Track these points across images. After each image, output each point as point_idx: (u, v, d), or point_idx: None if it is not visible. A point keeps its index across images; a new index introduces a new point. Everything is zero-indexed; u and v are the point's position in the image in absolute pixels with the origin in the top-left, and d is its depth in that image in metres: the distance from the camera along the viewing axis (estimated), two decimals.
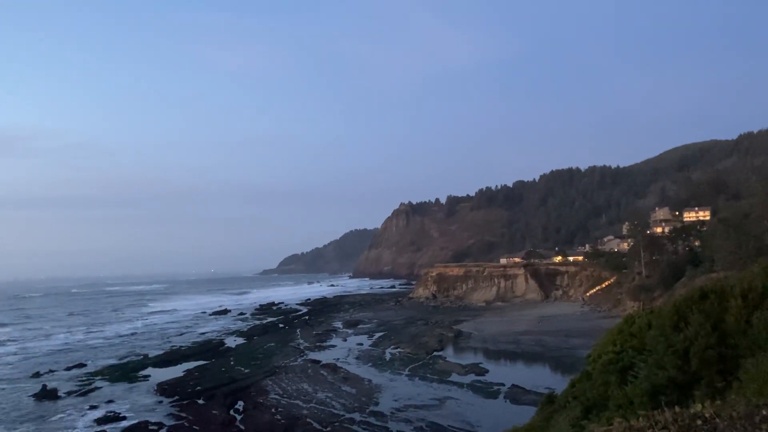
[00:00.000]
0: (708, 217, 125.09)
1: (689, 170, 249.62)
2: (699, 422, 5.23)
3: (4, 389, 64.90)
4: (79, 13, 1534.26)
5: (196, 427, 48.02)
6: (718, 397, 9.16)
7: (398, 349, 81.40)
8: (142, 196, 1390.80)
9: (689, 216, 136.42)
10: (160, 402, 56.71)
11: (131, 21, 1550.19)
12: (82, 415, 52.71)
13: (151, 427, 48.38)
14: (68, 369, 75.11)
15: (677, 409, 5.62)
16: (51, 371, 73.74)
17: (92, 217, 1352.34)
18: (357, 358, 76.71)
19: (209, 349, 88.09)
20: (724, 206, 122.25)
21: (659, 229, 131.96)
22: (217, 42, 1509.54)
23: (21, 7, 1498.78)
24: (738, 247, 72.88)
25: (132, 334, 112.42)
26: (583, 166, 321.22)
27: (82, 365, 77.23)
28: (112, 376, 69.61)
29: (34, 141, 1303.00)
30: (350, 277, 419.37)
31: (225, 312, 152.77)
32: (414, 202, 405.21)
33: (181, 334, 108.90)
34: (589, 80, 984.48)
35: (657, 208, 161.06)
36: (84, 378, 69.23)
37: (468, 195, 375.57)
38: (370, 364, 72.21)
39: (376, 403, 53.17)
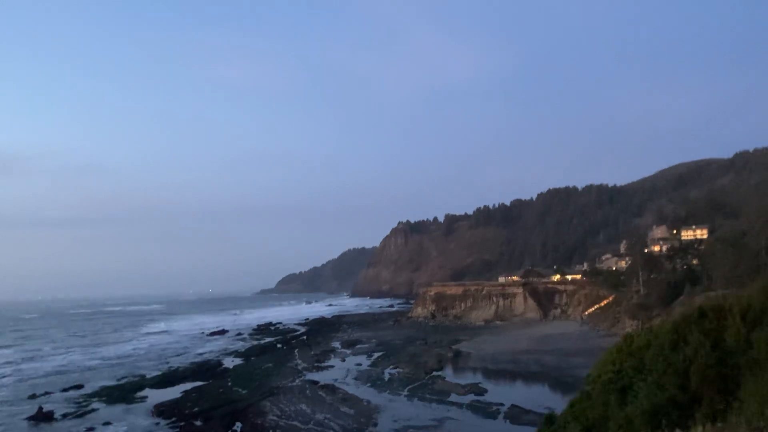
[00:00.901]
0: (706, 236, 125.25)
1: (686, 188, 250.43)
2: None
3: None
4: (81, 34, 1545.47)
5: None
6: (719, 418, 9.15)
7: (397, 369, 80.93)
8: (142, 215, 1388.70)
9: (687, 234, 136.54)
10: (157, 423, 56.23)
11: (132, 41, 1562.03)
12: None
13: None
14: (65, 390, 74.45)
15: (678, 431, 5.64)
16: (47, 393, 73.04)
17: (92, 237, 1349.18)
18: (355, 378, 76.23)
19: (207, 369, 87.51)
20: (721, 224, 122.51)
21: (657, 248, 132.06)
22: (216, 58, 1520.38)
23: (24, 29, 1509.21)
24: (736, 266, 72.96)
25: (129, 354, 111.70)
26: (579, 185, 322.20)
27: (79, 386, 76.59)
28: (109, 397, 69.03)
29: (36, 161, 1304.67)
30: (349, 296, 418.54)
31: (223, 332, 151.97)
32: (412, 221, 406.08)
33: (178, 355, 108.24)
34: (585, 99, 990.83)
35: (654, 227, 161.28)
36: (81, 399, 68.63)
37: (466, 213, 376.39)
38: (368, 384, 71.75)
39: (375, 424, 52.77)
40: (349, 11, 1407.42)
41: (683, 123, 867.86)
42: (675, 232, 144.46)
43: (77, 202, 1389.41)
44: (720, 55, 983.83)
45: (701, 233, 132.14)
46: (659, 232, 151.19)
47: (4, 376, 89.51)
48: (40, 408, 62.10)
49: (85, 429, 54.91)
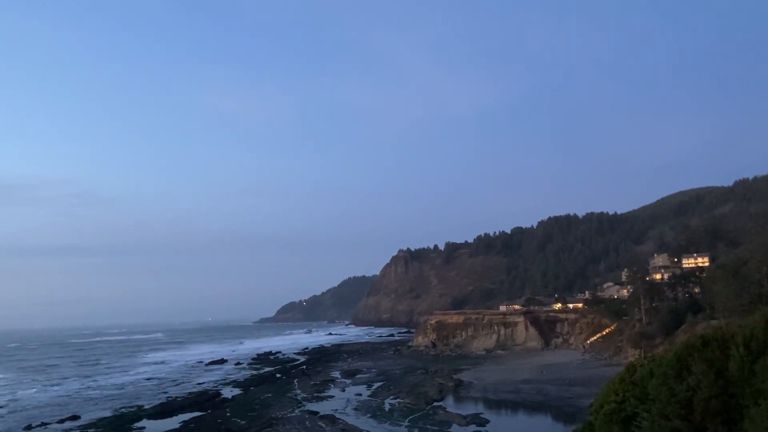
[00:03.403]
0: (707, 264, 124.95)
1: (687, 216, 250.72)
2: None
3: None
4: (79, 64, 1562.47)
5: None
6: None
7: (397, 400, 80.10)
8: (141, 244, 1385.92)
9: (688, 262, 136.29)
10: None
11: (135, 70, 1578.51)
12: None
13: None
14: (61, 422, 73.65)
15: None
16: (43, 424, 72.27)
17: (92, 266, 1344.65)
18: (356, 408, 75.40)
19: (205, 399, 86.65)
20: (722, 252, 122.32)
21: (658, 276, 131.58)
22: (215, 90, 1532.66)
23: (23, 58, 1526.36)
24: (738, 294, 72.67)
25: (128, 384, 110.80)
26: (580, 213, 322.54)
27: (75, 417, 75.78)
28: (105, 428, 68.26)
29: (34, 190, 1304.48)
30: (348, 325, 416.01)
31: (222, 362, 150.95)
32: (413, 249, 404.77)
33: (177, 385, 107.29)
34: (586, 128, 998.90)
35: (656, 255, 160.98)
36: (77, 431, 67.85)
37: (466, 241, 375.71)
38: (369, 415, 70.93)
39: None
40: (350, 47, 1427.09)
41: (684, 152, 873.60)
42: (676, 260, 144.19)
43: (78, 231, 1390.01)
44: (720, 85, 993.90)
45: (702, 261, 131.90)
46: (660, 260, 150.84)
47: (1, 407, 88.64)
48: None
49: None
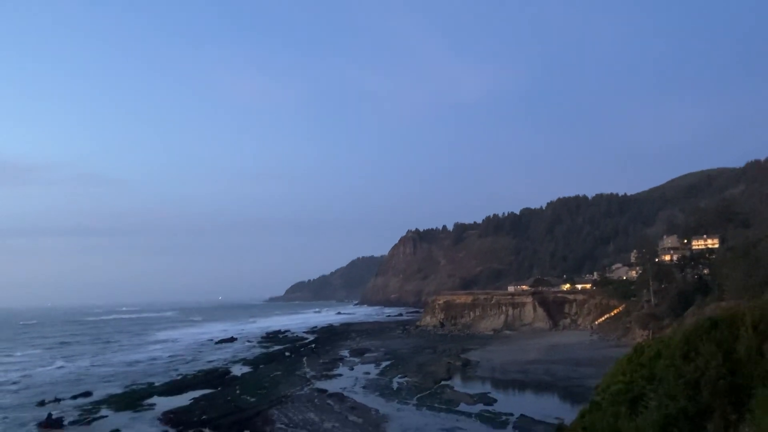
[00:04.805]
0: (716, 245, 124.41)
1: (697, 198, 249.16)
2: None
3: (7, 418, 64.53)
4: (91, 46, 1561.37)
5: None
6: (731, 430, 9.08)
7: (405, 378, 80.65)
8: (152, 225, 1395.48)
9: (697, 244, 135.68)
10: (165, 431, 56.21)
11: (143, 53, 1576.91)
12: None
13: None
14: (74, 398, 74.60)
15: None
16: (57, 400, 73.24)
17: (102, 245, 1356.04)
18: (364, 387, 75.99)
19: (215, 377, 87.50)
20: (732, 234, 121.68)
21: (667, 257, 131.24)
22: (223, 74, 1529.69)
23: (35, 40, 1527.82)
24: (747, 276, 72.30)
25: (139, 362, 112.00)
26: (590, 194, 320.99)
27: (88, 393, 76.77)
28: (117, 404, 69.10)
29: (45, 171, 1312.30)
30: (357, 305, 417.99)
31: (231, 340, 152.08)
32: (421, 230, 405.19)
33: (187, 362, 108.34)
34: (596, 109, 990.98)
35: (665, 236, 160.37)
36: (89, 407, 68.73)
37: (475, 222, 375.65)
38: (377, 393, 71.49)
39: None
40: (360, 30, 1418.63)
41: (694, 133, 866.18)
42: (686, 241, 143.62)
43: (88, 212, 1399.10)
44: (731, 65, 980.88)
45: (712, 243, 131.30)
46: (670, 241, 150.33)
47: (14, 383, 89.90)
48: (50, 414, 62.29)
49: None
